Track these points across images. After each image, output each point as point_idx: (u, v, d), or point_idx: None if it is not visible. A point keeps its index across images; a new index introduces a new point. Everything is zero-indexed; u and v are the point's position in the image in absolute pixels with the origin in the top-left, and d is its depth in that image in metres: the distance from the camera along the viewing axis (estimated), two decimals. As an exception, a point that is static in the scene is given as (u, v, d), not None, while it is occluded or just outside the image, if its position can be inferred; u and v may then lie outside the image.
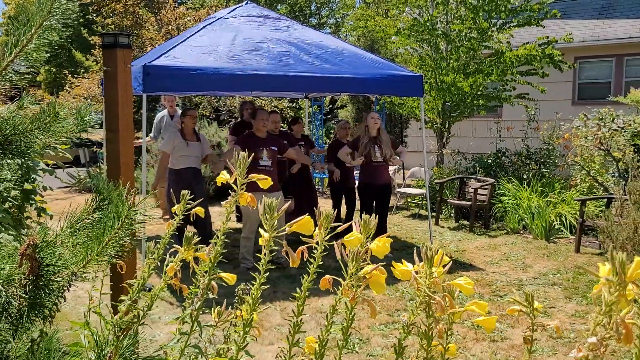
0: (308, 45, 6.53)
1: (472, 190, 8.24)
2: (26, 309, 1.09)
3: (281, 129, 7.31)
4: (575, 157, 8.48)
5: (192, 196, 1.58)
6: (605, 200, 7.27)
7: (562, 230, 7.70)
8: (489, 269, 6.17)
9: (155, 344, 3.83)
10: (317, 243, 1.18)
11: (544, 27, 9.63)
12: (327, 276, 1.14)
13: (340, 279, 1.16)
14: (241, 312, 1.24)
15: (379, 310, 4.82)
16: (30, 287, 1.09)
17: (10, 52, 1.25)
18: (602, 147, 7.89)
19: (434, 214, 8.52)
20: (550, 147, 9.28)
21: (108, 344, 1.13)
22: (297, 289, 1.23)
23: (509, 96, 9.78)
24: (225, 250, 1.44)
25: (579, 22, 12.21)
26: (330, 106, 21.18)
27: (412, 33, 9.68)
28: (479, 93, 9.71)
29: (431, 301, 0.97)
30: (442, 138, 10.43)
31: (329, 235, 1.18)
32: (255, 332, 1.36)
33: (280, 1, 26.67)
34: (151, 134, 7.77)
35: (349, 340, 1.20)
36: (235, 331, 1.23)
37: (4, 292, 1.05)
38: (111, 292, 2.13)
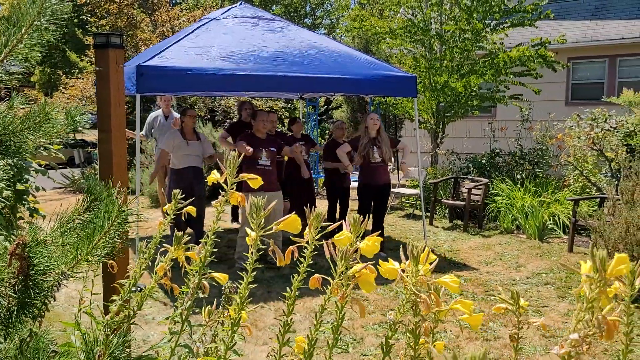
0: (302, 46, 6.54)
1: (466, 191, 8.27)
2: (15, 308, 1.09)
3: (277, 129, 7.33)
4: (569, 157, 8.52)
5: (192, 195, 1.58)
6: (598, 200, 7.31)
7: (555, 230, 7.74)
8: (482, 268, 6.19)
9: (148, 345, 3.82)
10: (307, 242, 1.19)
11: (537, 27, 9.67)
12: (317, 275, 1.15)
13: (330, 279, 1.16)
14: (228, 312, 1.24)
15: (373, 309, 4.83)
16: (20, 286, 1.09)
17: (0, 52, 1.25)
18: (595, 147, 7.93)
19: (428, 214, 8.54)
20: (544, 148, 9.32)
21: (98, 343, 1.13)
22: (288, 289, 1.24)
23: (503, 97, 9.83)
24: (215, 250, 1.44)
25: (573, 23, 12.27)
26: (325, 107, 21.19)
27: (406, 33, 9.70)
28: (472, 93, 9.75)
29: (417, 299, 0.97)
30: (436, 138, 10.46)
31: (319, 235, 1.18)
32: (245, 331, 1.36)
33: (274, 2, 26.67)
34: (142, 132, 7.76)
35: (340, 339, 1.21)
36: (223, 330, 1.24)
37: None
38: (103, 292, 2.13)
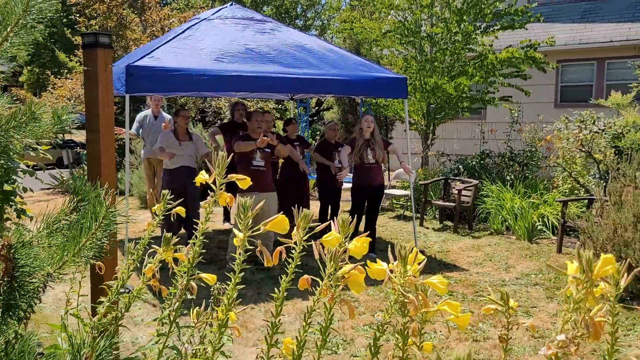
0: (293, 47, 6.54)
1: (456, 192, 8.31)
2: (0, 310, 1.07)
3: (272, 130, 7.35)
4: (557, 158, 8.59)
5: (185, 195, 1.58)
6: (587, 201, 7.37)
7: (545, 231, 7.79)
8: (472, 269, 6.22)
9: (137, 346, 3.80)
10: (295, 243, 1.19)
11: (527, 29, 9.74)
12: (306, 276, 1.14)
13: (319, 280, 1.16)
14: (217, 313, 1.24)
15: (363, 310, 4.84)
16: (5, 288, 1.08)
17: (-14, 50, 1.23)
18: (583, 149, 8.00)
19: (418, 215, 8.56)
20: (533, 149, 9.39)
21: (85, 345, 1.12)
22: (277, 290, 1.23)
23: (493, 98, 9.88)
24: (204, 251, 1.43)
25: (562, 25, 12.38)
26: (317, 108, 21.20)
27: (397, 36, 9.73)
28: (463, 95, 9.79)
29: (405, 300, 0.97)
30: (426, 140, 10.50)
31: (308, 235, 1.18)
32: (234, 332, 1.35)
33: (265, 3, 26.63)
34: (133, 130, 7.71)
35: (329, 340, 1.20)
36: (210, 331, 1.23)
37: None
38: (91, 294, 2.11)
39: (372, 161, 6.49)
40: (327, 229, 1.18)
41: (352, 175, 6.79)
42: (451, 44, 9.60)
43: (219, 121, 13.38)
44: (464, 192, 8.31)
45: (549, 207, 8.02)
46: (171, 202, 1.61)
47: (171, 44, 6.02)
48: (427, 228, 8.53)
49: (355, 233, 1.12)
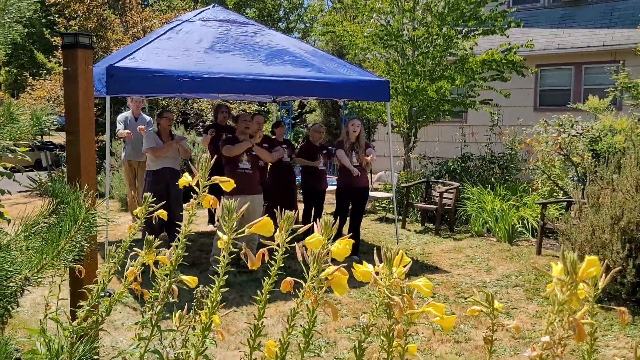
0: (275, 50, 6.53)
1: (438, 194, 8.37)
2: (-24, 315, 1.05)
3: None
4: (537, 161, 8.70)
5: (168, 197, 1.56)
6: (565, 203, 7.48)
7: (524, 233, 7.88)
8: (454, 271, 6.26)
9: (117, 351, 3.75)
10: (278, 245, 1.18)
11: (508, 36, 9.87)
12: (288, 278, 1.14)
13: (302, 282, 1.15)
14: (200, 316, 1.22)
15: (346, 313, 4.84)
16: (-19, 292, 1.05)
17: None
18: (561, 152, 8.12)
19: (400, 217, 8.61)
20: (513, 152, 9.50)
21: (63, 350, 1.09)
22: (259, 292, 1.22)
23: (474, 102, 9.98)
24: (187, 254, 1.42)
25: (540, 30, 12.57)
26: (299, 110, 21.20)
27: (379, 40, 9.78)
28: (444, 99, 9.88)
29: (391, 302, 0.97)
30: (408, 142, 10.56)
31: (290, 237, 1.17)
32: (217, 335, 1.34)
33: (248, 5, 26.57)
34: (121, 127, 7.60)
35: (312, 343, 1.20)
36: (194, 335, 1.21)
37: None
38: (70, 298, 2.08)
39: (356, 164, 6.56)
40: (310, 231, 1.18)
41: (336, 177, 6.82)
42: (433, 48, 9.67)
43: (200, 123, 13.29)
44: (445, 195, 8.38)
45: (528, 209, 8.12)
46: (153, 204, 1.59)
47: (153, 45, 5.96)
48: (409, 230, 8.57)
49: (339, 235, 1.12)
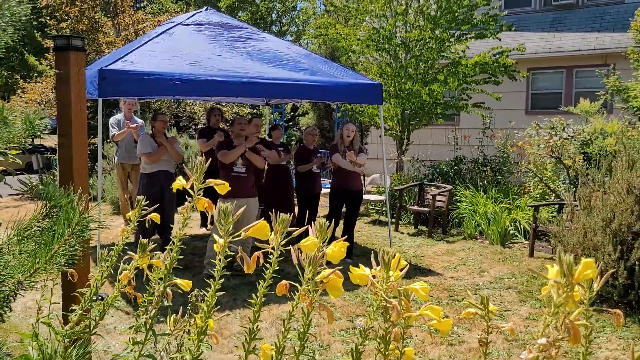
0: (268, 52, 6.53)
1: (431, 197, 8.39)
2: (-32, 320, 1.04)
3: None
4: (529, 164, 8.75)
5: (163, 200, 1.55)
6: (557, 206, 7.52)
7: (517, 236, 7.92)
8: (447, 273, 6.27)
9: (110, 355, 3.72)
10: (273, 248, 1.17)
11: (500, 39, 9.92)
12: (284, 281, 1.13)
13: (298, 285, 1.15)
14: (195, 320, 1.22)
15: (340, 316, 4.83)
16: (-27, 297, 1.04)
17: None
18: (553, 155, 8.17)
19: (393, 220, 8.62)
20: (505, 155, 9.55)
21: (56, 355, 1.08)
22: (254, 295, 1.22)
23: (466, 105, 10.02)
24: (181, 257, 1.41)
25: (532, 34, 12.65)
26: (292, 113, 21.20)
27: (371, 43, 9.80)
28: (437, 102, 9.91)
29: (388, 305, 0.97)
30: (401, 145, 10.58)
31: (285, 240, 1.17)
32: (212, 339, 1.33)
33: (241, 8, 26.57)
34: (115, 131, 7.57)
35: (307, 346, 1.19)
36: (189, 339, 1.21)
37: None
38: (62, 302, 2.06)
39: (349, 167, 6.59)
40: (304, 234, 1.18)
41: (330, 180, 6.85)
42: (425, 51, 9.71)
43: (193, 126, 13.26)
44: (438, 198, 8.40)
45: (520, 212, 8.16)
46: (146, 207, 1.59)
47: (145, 47, 5.94)
48: (402, 233, 8.58)
49: (332, 238, 1.12)
